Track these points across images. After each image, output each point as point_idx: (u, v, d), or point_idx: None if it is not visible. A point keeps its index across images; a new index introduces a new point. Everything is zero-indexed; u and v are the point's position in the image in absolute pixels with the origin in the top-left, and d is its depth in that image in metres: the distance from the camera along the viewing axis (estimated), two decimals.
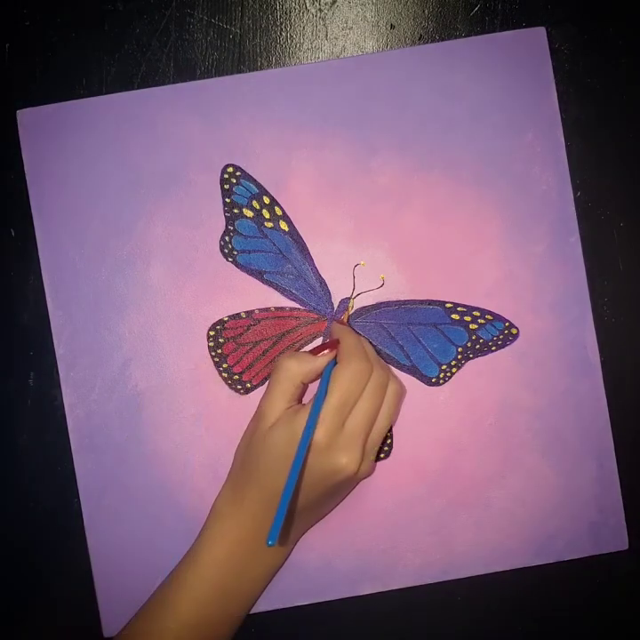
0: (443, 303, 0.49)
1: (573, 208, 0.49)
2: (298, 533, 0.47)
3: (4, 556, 0.50)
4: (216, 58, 0.50)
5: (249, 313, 0.49)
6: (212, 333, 0.49)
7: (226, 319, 0.49)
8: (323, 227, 0.49)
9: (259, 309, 0.49)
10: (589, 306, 0.49)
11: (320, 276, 0.49)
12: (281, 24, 0.50)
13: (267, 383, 0.47)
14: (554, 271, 0.49)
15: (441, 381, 0.49)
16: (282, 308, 0.49)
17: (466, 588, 0.49)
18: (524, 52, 0.49)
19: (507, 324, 0.49)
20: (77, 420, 0.49)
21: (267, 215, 0.49)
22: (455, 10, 0.50)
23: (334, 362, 0.45)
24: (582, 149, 0.50)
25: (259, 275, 0.49)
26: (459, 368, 0.49)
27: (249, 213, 0.49)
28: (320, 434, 0.42)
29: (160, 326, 0.49)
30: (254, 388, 0.49)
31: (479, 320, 0.49)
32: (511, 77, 0.49)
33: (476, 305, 0.49)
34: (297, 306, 0.49)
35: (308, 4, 0.50)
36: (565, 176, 0.49)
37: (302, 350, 0.49)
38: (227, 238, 0.49)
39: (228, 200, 0.49)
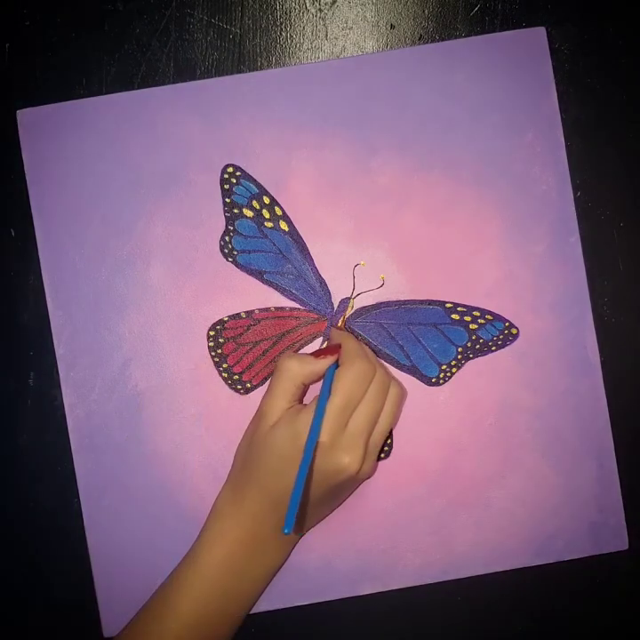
0: (443, 303, 0.49)
1: (573, 208, 0.49)
2: (298, 528, 0.47)
3: (4, 556, 0.50)
4: (216, 58, 0.50)
5: (249, 313, 0.49)
6: (211, 333, 0.49)
7: (226, 319, 0.49)
8: (323, 227, 0.49)
9: (259, 309, 0.49)
10: (589, 306, 0.49)
11: (320, 276, 0.49)
12: (281, 24, 0.50)
13: (267, 383, 0.47)
14: (554, 271, 0.49)
15: (441, 381, 0.49)
16: (282, 308, 0.49)
17: (466, 588, 0.49)
18: (524, 52, 0.49)
19: (507, 324, 0.49)
20: (77, 420, 0.49)
21: (267, 215, 0.49)
22: (455, 10, 0.50)
23: (336, 365, 0.45)
24: (582, 149, 0.50)
25: (259, 275, 0.49)
26: (459, 368, 0.49)
27: (249, 213, 0.49)
28: (323, 434, 0.42)
29: (160, 326, 0.49)
30: (254, 387, 0.49)
31: (479, 320, 0.49)
32: (511, 77, 0.49)
33: (476, 305, 0.49)
34: (297, 306, 0.49)
35: (307, 4, 0.50)
36: (565, 176, 0.49)
37: (302, 351, 0.49)
38: (227, 238, 0.49)
39: (227, 200, 0.49)
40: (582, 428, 0.49)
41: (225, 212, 0.49)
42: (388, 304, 0.49)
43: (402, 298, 0.49)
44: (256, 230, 0.49)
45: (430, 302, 0.49)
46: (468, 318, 0.49)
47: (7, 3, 0.50)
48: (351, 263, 0.49)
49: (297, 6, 0.50)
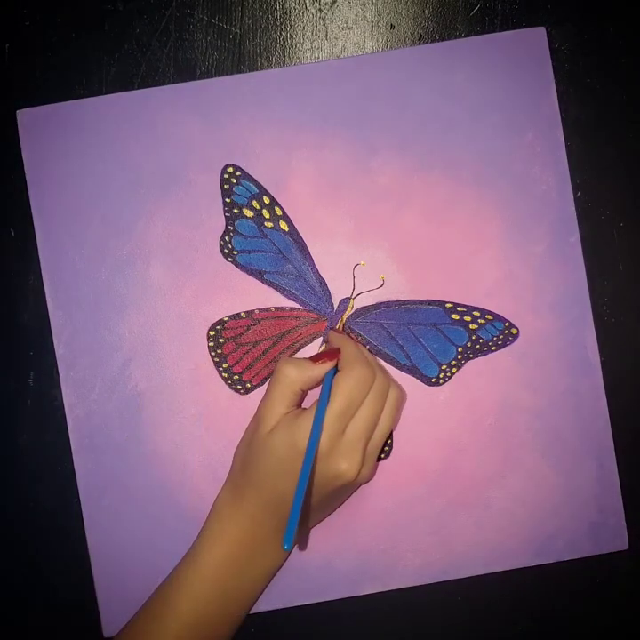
0: (443, 303, 0.49)
1: (573, 208, 0.49)
2: (299, 536, 0.47)
3: (4, 556, 0.50)
4: (216, 58, 0.50)
5: (249, 313, 0.49)
6: (212, 333, 0.49)
7: (226, 319, 0.49)
8: (323, 227, 0.49)
9: (259, 309, 0.49)
10: (589, 306, 0.49)
11: (320, 276, 0.49)
12: (281, 24, 0.50)
13: (267, 384, 0.47)
14: (554, 271, 0.49)
15: (441, 381, 0.49)
16: (282, 308, 0.49)
17: (466, 588, 0.49)
18: (524, 52, 0.49)
19: (507, 324, 0.49)
20: (77, 420, 0.49)
21: (267, 215, 0.49)
22: (455, 10, 0.50)
23: (335, 369, 0.45)
24: (582, 149, 0.50)
25: (259, 275, 0.49)
26: (459, 368, 0.49)
27: (249, 213, 0.49)
28: (322, 439, 0.42)
29: (160, 326, 0.49)
30: (254, 388, 0.49)
31: (479, 320, 0.49)
32: (511, 77, 0.49)
33: (476, 305, 0.49)
34: (297, 306, 0.49)
35: (307, 4, 0.50)
36: (565, 176, 0.49)
37: (302, 351, 0.49)
38: (227, 238, 0.49)
39: (227, 200, 0.49)
40: (582, 427, 0.49)
41: (225, 211, 0.49)
42: (388, 304, 0.49)
43: (402, 298, 0.49)
44: (256, 230, 0.49)
45: (430, 302, 0.49)
46: (467, 318, 0.49)
47: (7, 3, 0.50)
48: (351, 263, 0.49)
49: (297, 6, 0.50)
